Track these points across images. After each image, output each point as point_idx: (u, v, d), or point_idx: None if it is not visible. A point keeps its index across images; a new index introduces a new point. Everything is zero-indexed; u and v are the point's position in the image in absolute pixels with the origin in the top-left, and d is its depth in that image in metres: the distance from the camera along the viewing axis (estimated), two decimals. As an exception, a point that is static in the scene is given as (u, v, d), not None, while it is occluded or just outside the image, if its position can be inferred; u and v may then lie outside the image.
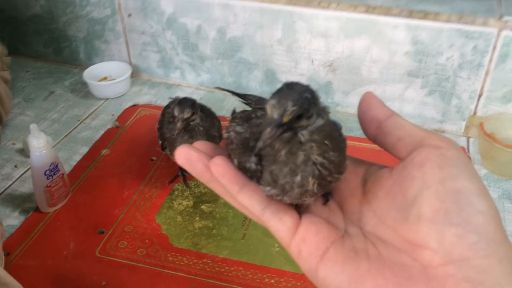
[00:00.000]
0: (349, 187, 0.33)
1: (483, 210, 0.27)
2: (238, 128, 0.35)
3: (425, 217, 0.27)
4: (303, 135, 0.29)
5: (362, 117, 0.33)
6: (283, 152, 0.30)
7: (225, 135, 0.36)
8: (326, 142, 0.30)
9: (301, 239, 0.30)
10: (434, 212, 0.27)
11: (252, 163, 0.32)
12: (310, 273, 0.30)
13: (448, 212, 0.27)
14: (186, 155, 0.32)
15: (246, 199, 0.31)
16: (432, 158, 0.28)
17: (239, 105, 1.10)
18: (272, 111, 0.29)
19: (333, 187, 0.34)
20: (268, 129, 0.28)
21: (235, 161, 0.33)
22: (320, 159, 0.30)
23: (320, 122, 0.30)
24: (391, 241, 0.29)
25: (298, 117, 0.29)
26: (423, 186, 0.28)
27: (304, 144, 0.30)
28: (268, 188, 0.31)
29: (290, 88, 0.29)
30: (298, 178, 0.30)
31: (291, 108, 0.28)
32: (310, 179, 0.30)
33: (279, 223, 0.31)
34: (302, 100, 0.28)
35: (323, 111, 0.30)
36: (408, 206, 0.28)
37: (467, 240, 0.26)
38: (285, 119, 0.28)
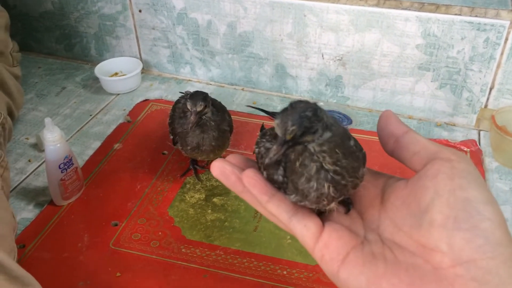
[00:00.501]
0: (369, 197, 0.36)
1: (489, 217, 0.29)
2: (268, 144, 0.39)
3: (436, 223, 0.30)
4: (313, 147, 0.33)
5: (381, 133, 0.36)
6: (297, 164, 0.34)
7: (256, 150, 0.40)
8: (336, 150, 0.33)
9: (324, 245, 0.33)
10: (445, 218, 0.29)
11: (279, 176, 0.35)
12: (332, 275, 0.33)
13: (458, 219, 0.29)
14: (220, 169, 0.36)
15: (275, 208, 0.34)
16: (444, 170, 0.31)
17: (246, 104, 1.11)
18: (277, 130, 0.32)
19: (355, 198, 0.37)
20: (274, 147, 0.32)
21: (265, 173, 0.36)
22: (332, 167, 0.33)
23: (328, 134, 0.32)
24: (407, 246, 0.31)
25: (302, 134, 0.32)
26: (435, 195, 0.30)
27: (315, 154, 0.33)
28: (292, 196, 0.35)
29: (293, 108, 0.32)
30: (313, 183, 0.33)
31: (290, 127, 0.31)
32: (325, 184, 0.33)
33: (304, 230, 0.34)
34: (302, 119, 0.31)
35: (331, 124, 0.33)
36: (422, 213, 0.31)
37: (475, 243, 0.28)
38: (288, 137, 0.32)
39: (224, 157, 0.89)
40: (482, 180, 0.31)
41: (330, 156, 0.33)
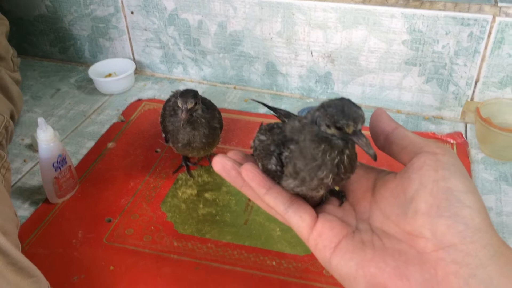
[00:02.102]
0: (361, 190, 0.38)
1: (470, 205, 0.31)
2: (262, 137, 0.41)
3: (421, 211, 0.32)
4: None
5: (373, 130, 0.38)
6: (319, 150, 0.35)
7: (252, 144, 0.42)
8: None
9: (318, 234, 0.36)
10: (429, 207, 0.32)
11: (272, 165, 0.37)
12: (325, 262, 0.35)
13: (440, 207, 0.31)
14: (222, 164, 0.38)
15: (272, 200, 0.37)
16: (429, 162, 0.33)
17: (238, 100, 1.13)
18: (352, 126, 0.34)
19: (348, 191, 0.39)
20: (364, 140, 0.34)
21: (259, 164, 0.38)
22: (347, 160, 0.35)
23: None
24: (394, 233, 0.34)
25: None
26: (420, 185, 0.33)
27: (348, 150, 0.35)
28: (290, 181, 0.36)
29: (347, 104, 0.34)
30: (320, 173, 0.35)
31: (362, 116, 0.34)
32: (330, 175, 0.35)
33: (299, 220, 0.36)
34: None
35: None
36: (408, 203, 0.33)
37: (455, 229, 0.30)
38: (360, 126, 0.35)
39: (215, 153, 0.91)
40: (465, 171, 0.33)
41: (351, 153, 0.35)
